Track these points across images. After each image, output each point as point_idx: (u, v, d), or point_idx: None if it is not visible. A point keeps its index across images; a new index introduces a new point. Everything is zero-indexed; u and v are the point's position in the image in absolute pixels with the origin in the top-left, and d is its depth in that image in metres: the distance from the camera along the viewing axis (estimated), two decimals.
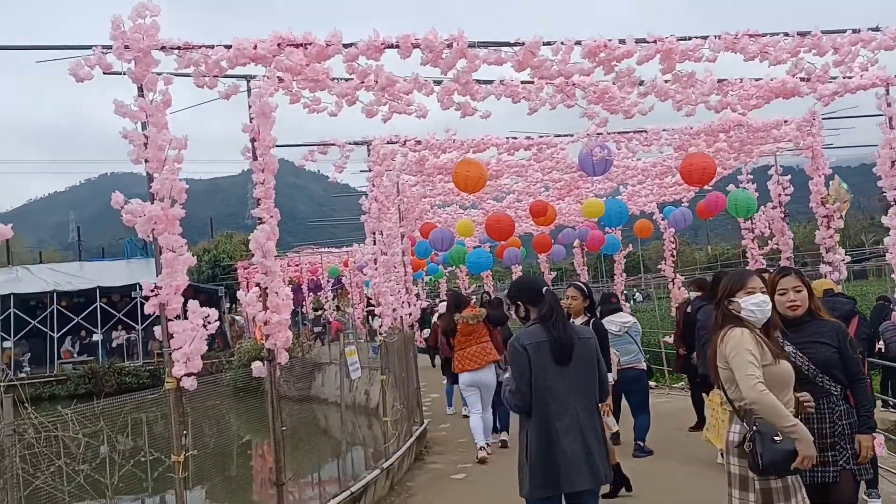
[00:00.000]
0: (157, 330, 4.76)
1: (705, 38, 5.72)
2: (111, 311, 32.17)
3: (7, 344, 30.32)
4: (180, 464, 4.46)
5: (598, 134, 8.86)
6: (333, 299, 31.82)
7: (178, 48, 4.68)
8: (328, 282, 30.37)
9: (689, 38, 5.69)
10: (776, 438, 3.45)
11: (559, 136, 9.43)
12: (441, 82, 5.99)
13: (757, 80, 7.29)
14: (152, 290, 4.67)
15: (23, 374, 28.29)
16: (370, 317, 26.98)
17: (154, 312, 4.73)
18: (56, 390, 27.46)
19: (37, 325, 31.10)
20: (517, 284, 4.61)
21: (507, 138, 9.03)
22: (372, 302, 27.55)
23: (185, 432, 4.55)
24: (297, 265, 30.84)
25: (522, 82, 6.37)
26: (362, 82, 5.55)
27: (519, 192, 12.95)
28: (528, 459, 4.03)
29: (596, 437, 4.07)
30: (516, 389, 4.02)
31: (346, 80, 5.64)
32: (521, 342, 4.08)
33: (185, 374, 4.61)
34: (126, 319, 32.09)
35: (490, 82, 6.21)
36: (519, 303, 4.35)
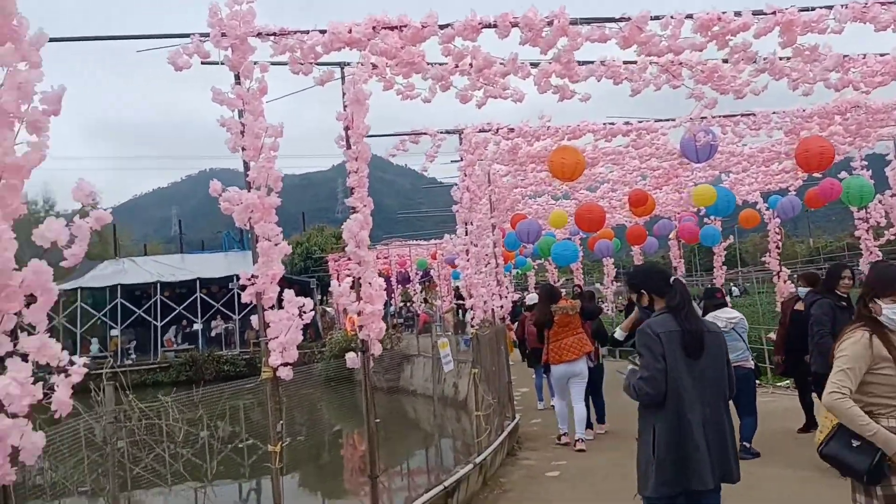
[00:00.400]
0: (254, 319, 4.73)
1: (830, 7, 5.25)
2: (210, 301, 33.42)
3: (114, 332, 31.96)
4: (277, 454, 4.42)
5: (701, 118, 8.39)
6: (421, 292, 31.96)
7: (274, 34, 4.63)
8: (416, 274, 30.50)
9: (812, 9, 5.23)
10: (854, 443, 3.34)
11: (660, 120, 9.00)
12: (538, 64, 5.75)
13: (882, 55, 6.71)
14: (249, 279, 4.64)
15: (129, 361, 29.76)
16: (458, 310, 26.92)
17: (251, 302, 4.70)
18: (159, 377, 28.71)
19: (142, 314, 32.64)
20: (642, 272, 4.40)
21: (604, 124, 8.69)
22: (462, 294, 27.61)
23: (281, 422, 4.50)
24: (385, 257, 31.12)
25: (625, 62, 6.05)
26: (457, 65, 5.38)
27: (614, 182, 12.51)
28: (656, 454, 3.79)
29: (726, 433, 3.87)
30: (650, 376, 3.78)
31: (441, 64, 5.48)
32: (653, 329, 3.87)
33: (282, 364, 4.56)
34: (224, 310, 33.28)
35: (590, 63, 5.93)
36: (643, 291, 4.15)
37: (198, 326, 33.08)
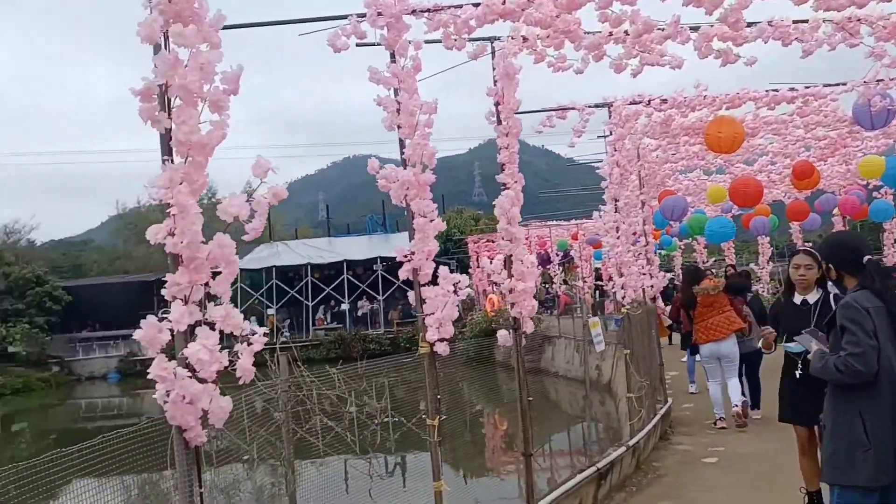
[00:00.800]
0: (411, 295, 4.78)
1: None
2: (356, 282, 34.73)
3: (270, 311, 33.97)
4: (435, 427, 4.47)
5: (877, 80, 7.66)
6: (562, 273, 31.58)
7: (428, 10, 4.64)
8: (557, 255, 30.13)
9: None
10: None
11: (829, 85, 8.29)
12: (698, 28, 5.44)
13: None
14: (405, 256, 4.69)
15: (283, 339, 31.53)
16: (595, 290, 26.36)
17: (407, 278, 4.76)
18: (311, 354, 30.17)
19: (294, 294, 34.46)
20: (832, 245, 4.11)
21: (766, 91, 8.10)
22: (601, 275, 27.03)
23: (438, 396, 4.55)
24: (525, 238, 30.90)
25: (794, 21, 5.60)
26: (611, 33, 5.18)
27: (773, 154, 11.71)
28: (871, 439, 3.48)
29: None
30: (862, 352, 3.47)
31: (595, 33, 5.30)
32: (860, 303, 3.60)
33: (438, 340, 4.59)
34: (369, 290, 34.48)
35: (755, 24, 5.53)
36: (830, 265, 3.92)
37: (345, 306, 34.53)
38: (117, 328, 35.12)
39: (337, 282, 34.79)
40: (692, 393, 11.98)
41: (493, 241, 34.12)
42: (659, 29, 5.13)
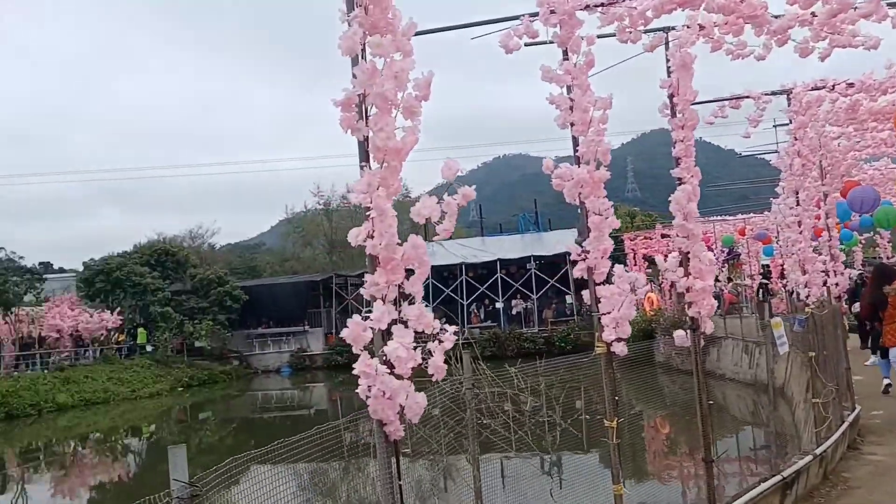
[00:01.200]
0: (585, 294, 4.72)
1: None
2: (510, 281, 34.87)
3: (427, 309, 34.91)
4: (614, 430, 4.38)
5: None
6: (726, 270, 30.06)
7: (602, 4, 4.56)
8: (721, 252, 28.68)
9: None
10: None
11: None
12: None
13: None
14: (580, 255, 4.64)
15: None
16: (759, 289, 24.81)
17: (582, 277, 4.71)
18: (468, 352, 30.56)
19: (450, 293, 35.13)
20: None
21: None
22: (769, 272, 25.33)
23: (616, 398, 4.46)
24: None
25: None
26: (797, 16, 4.84)
27: None
28: None
29: None
30: None
31: (777, 17, 4.99)
32: None
33: (615, 339, 4.51)
34: (522, 289, 34.52)
35: None
36: None
37: (499, 305, 34.80)
38: (289, 325, 37.47)
39: (490, 281, 35.12)
40: (886, 392, 11.02)
41: (650, 238, 33.11)
42: (854, 9, 4.73)
